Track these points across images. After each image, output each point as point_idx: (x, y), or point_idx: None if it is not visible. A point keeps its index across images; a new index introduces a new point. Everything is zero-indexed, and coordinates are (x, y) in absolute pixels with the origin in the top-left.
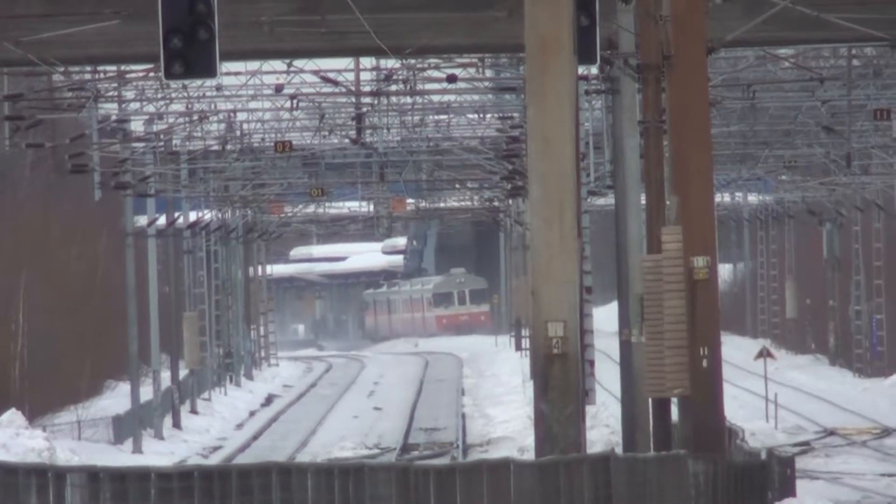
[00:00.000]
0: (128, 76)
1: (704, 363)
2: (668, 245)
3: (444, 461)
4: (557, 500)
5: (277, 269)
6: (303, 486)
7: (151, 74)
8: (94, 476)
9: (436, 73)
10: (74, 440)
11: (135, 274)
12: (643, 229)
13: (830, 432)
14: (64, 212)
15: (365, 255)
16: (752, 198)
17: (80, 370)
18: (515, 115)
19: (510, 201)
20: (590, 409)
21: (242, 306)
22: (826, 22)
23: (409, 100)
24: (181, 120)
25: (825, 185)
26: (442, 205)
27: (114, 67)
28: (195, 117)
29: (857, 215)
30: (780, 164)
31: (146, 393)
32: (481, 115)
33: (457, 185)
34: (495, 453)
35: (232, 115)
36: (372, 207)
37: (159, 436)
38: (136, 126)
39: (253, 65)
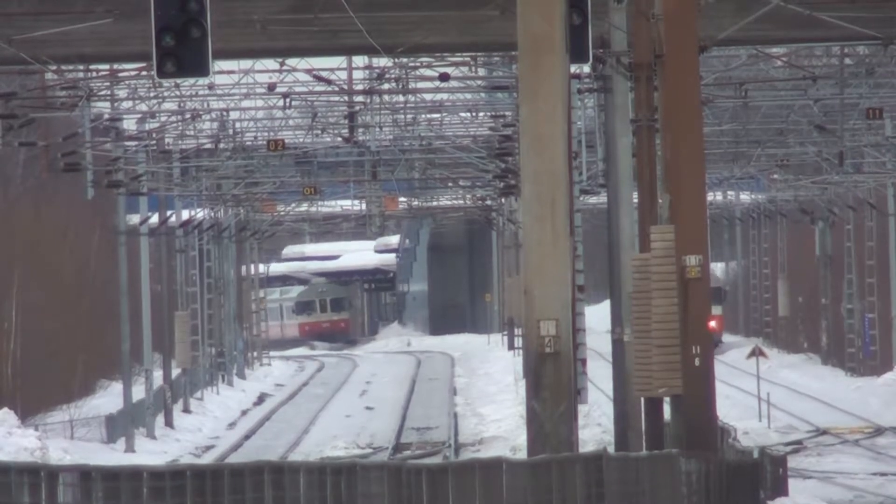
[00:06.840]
0: (120, 75)
1: (697, 362)
2: (656, 244)
3: (436, 460)
4: (549, 499)
5: (270, 268)
6: (295, 485)
7: (144, 73)
8: (86, 475)
9: (428, 72)
10: (67, 439)
11: (127, 273)
12: (635, 228)
13: (823, 431)
14: (56, 210)
15: (357, 254)
16: (745, 196)
17: (72, 369)
18: (508, 113)
19: (503, 200)
20: (582, 408)
21: (235, 305)
22: (818, 20)
23: (401, 98)
24: (173, 118)
25: (817, 183)
26: (434, 203)
27: (106, 66)
28: (187, 116)
29: (849, 214)
30: (772, 162)
31: (138, 392)
32: (474, 114)
33: (449, 184)
34: (487, 452)
35: (224, 113)
36: (364, 206)
37: (151, 435)
38: (129, 125)
39: (245, 63)
